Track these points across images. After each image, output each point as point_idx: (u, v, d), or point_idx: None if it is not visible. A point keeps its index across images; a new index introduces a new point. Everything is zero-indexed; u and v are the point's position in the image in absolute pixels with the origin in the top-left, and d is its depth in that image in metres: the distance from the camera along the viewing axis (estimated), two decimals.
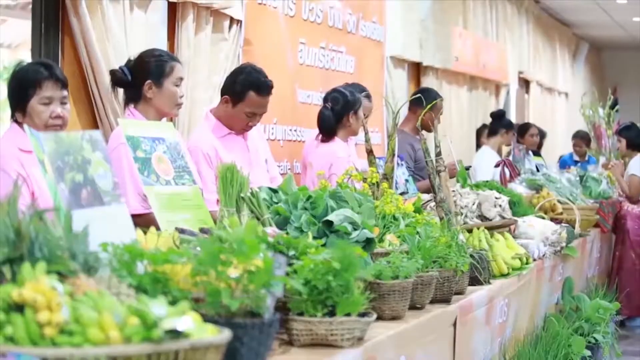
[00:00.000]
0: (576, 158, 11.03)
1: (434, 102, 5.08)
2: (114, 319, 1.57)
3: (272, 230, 2.64)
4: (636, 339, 7.71)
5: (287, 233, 2.74)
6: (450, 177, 5.14)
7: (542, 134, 10.53)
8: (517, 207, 5.23)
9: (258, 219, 2.80)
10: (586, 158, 11.02)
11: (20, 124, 3.24)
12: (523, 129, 9.67)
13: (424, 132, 4.10)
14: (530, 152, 8.39)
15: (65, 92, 3.26)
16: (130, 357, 1.53)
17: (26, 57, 4.92)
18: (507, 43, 11.09)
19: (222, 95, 4.35)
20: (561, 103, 14.67)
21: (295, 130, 5.97)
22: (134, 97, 3.85)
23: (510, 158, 7.14)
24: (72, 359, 1.50)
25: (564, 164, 9.96)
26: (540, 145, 10.53)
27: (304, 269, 2.25)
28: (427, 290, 2.96)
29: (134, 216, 2.47)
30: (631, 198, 8.30)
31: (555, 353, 4.70)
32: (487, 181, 5.69)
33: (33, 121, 3.19)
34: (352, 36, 6.76)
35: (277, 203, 2.96)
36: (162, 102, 3.82)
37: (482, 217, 4.34)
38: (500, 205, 4.38)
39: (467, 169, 6.21)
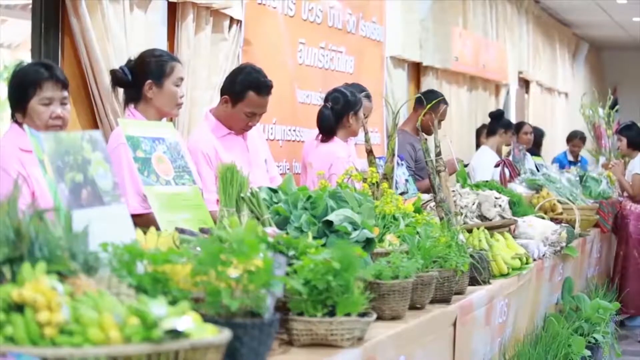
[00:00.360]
0: (571, 158, 11.03)
1: (434, 102, 5.09)
2: (114, 319, 1.57)
3: (272, 230, 2.64)
4: (636, 339, 7.71)
5: (287, 233, 2.74)
6: (450, 174, 5.15)
7: (540, 133, 10.52)
8: (517, 207, 5.23)
9: (258, 219, 2.80)
10: (579, 159, 11.05)
11: (20, 124, 3.24)
12: (516, 128, 9.66)
13: (424, 134, 4.11)
14: (528, 153, 8.38)
15: (65, 93, 3.26)
16: (130, 357, 1.53)
17: (26, 57, 4.93)
18: (507, 43, 11.08)
19: (221, 95, 4.35)
20: (561, 103, 14.67)
21: (294, 131, 5.97)
22: (134, 97, 3.85)
23: (510, 158, 7.15)
24: (72, 359, 1.50)
25: (559, 164, 9.96)
26: (539, 145, 10.52)
27: (304, 269, 2.25)
28: (427, 290, 2.96)
29: (134, 216, 2.47)
30: (635, 197, 8.29)
31: (555, 353, 4.70)
32: (487, 181, 5.69)
33: (33, 122, 3.18)
34: (351, 36, 6.76)
35: (277, 203, 2.96)
36: (163, 102, 3.82)
37: (482, 217, 4.34)
38: (500, 205, 4.38)
39: (465, 165, 6.22)
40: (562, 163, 10.13)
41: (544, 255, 4.74)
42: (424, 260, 2.99)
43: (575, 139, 11.26)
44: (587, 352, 5.12)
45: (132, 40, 4.47)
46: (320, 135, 5.23)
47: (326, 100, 5.28)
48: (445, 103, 6.47)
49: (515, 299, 4.19)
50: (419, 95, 6.40)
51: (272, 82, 4.32)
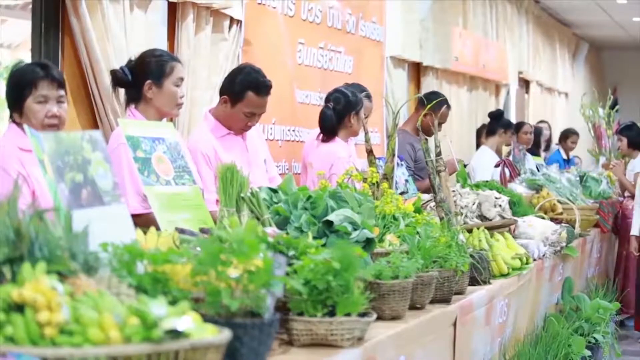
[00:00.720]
0: (564, 156, 11.04)
1: (434, 102, 5.09)
2: (114, 319, 1.57)
3: (272, 230, 2.64)
4: (636, 339, 7.71)
5: (287, 233, 2.74)
6: (450, 174, 5.15)
7: (539, 132, 10.52)
8: (517, 207, 5.23)
9: (258, 219, 2.80)
10: (569, 157, 11.06)
11: (18, 124, 3.24)
12: (516, 128, 9.65)
13: (424, 134, 4.11)
14: (528, 153, 8.38)
15: (61, 92, 3.26)
16: (130, 357, 1.53)
17: (26, 57, 4.92)
18: (507, 43, 11.08)
19: (220, 95, 4.35)
20: (561, 103, 14.67)
21: (293, 131, 5.97)
22: (134, 97, 3.85)
23: (510, 158, 7.15)
24: (72, 359, 1.50)
25: (555, 163, 9.93)
26: (539, 144, 10.51)
27: (304, 269, 2.25)
28: (427, 290, 2.96)
29: (134, 216, 2.47)
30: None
31: (555, 353, 4.70)
32: (487, 181, 5.70)
33: (30, 121, 3.18)
34: (351, 36, 6.76)
35: (277, 203, 2.96)
36: (162, 102, 3.82)
37: (482, 217, 4.34)
38: (500, 205, 4.38)
39: (465, 165, 6.22)
40: (559, 162, 10.12)
41: (544, 255, 4.74)
42: (424, 260, 2.98)
43: (573, 135, 11.28)
44: (587, 352, 5.13)
45: (132, 40, 4.47)
46: (321, 135, 5.22)
47: (327, 100, 5.27)
48: (448, 106, 6.45)
49: (515, 299, 4.19)
50: (421, 95, 6.39)
51: (272, 82, 4.32)
